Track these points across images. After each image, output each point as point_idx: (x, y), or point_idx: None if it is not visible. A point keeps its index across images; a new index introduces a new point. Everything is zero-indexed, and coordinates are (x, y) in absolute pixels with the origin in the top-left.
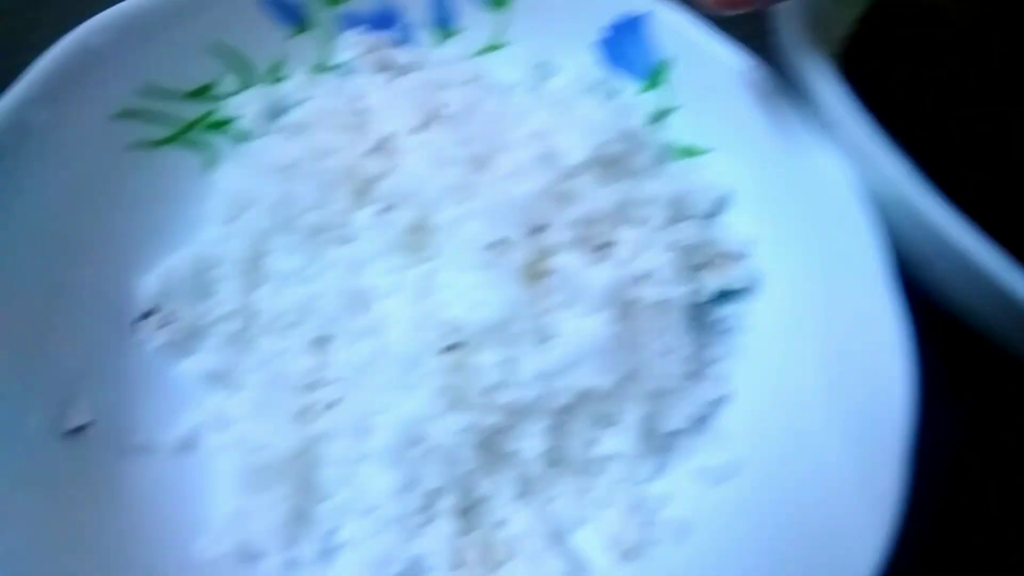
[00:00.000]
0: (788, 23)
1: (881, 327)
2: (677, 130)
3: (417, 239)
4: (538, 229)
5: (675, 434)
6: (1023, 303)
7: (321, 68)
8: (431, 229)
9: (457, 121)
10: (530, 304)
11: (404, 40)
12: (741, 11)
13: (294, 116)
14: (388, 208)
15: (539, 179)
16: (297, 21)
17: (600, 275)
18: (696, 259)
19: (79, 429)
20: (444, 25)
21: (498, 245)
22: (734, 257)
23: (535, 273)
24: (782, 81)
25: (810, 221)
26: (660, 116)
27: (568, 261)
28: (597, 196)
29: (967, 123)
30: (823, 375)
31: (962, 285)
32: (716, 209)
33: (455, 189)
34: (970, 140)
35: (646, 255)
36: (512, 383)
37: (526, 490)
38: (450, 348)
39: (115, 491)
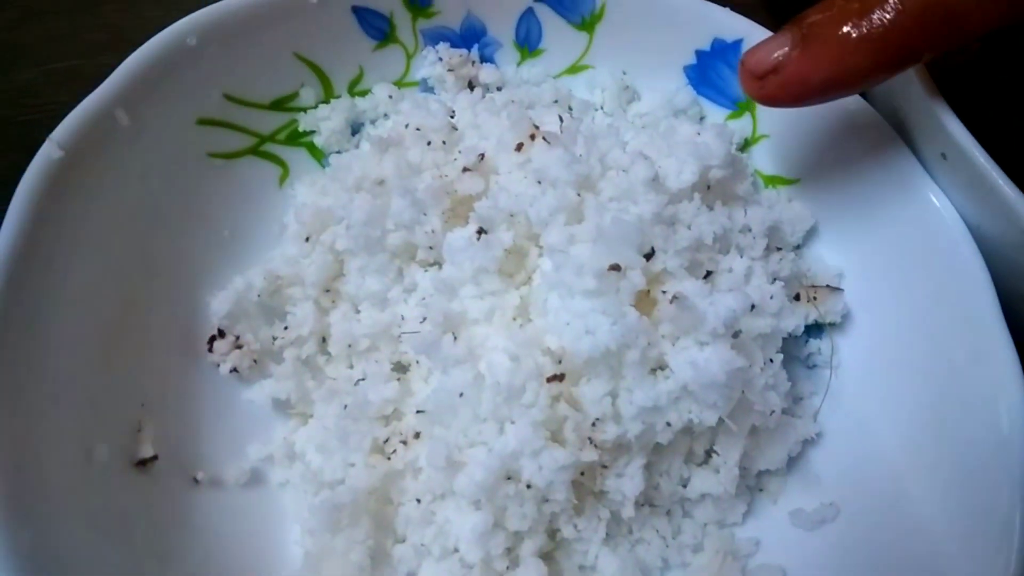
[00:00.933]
0: None
1: (993, 369)
2: (763, 159)
3: (515, 262)
4: (649, 255)
5: (764, 475)
6: None
7: (401, 84)
8: (531, 253)
9: (561, 140)
10: (644, 333)
11: (487, 58)
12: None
13: (380, 131)
14: (486, 229)
15: (649, 203)
16: (382, 34)
17: (721, 304)
18: (788, 291)
19: (149, 460)
20: (528, 44)
21: (613, 270)
22: (828, 290)
23: (647, 300)
24: (874, 110)
25: (905, 255)
26: (747, 144)
27: (687, 288)
28: (702, 222)
29: None
30: (924, 418)
31: None
32: (806, 240)
33: (562, 211)
34: None
35: (752, 284)
36: (616, 417)
37: (615, 532)
38: (552, 379)
39: (184, 527)
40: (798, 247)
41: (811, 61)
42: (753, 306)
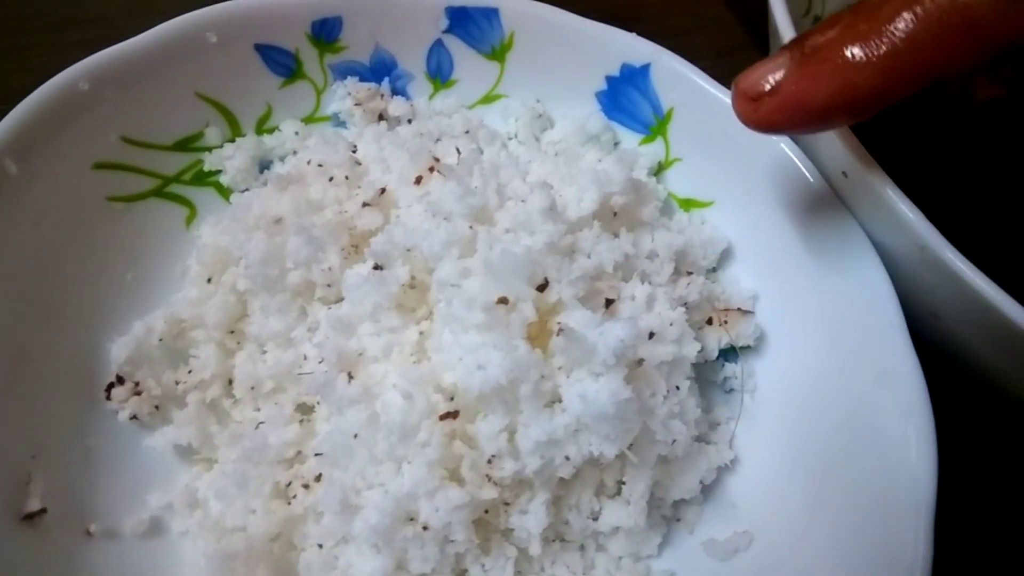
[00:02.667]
0: None
1: (899, 390)
2: (678, 182)
3: (414, 298)
4: (542, 286)
5: (680, 504)
6: None
7: (311, 119)
8: (429, 286)
9: (457, 173)
10: (536, 366)
11: (399, 91)
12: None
13: (283, 168)
14: (383, 265)
15: (544, 233)
16: (289, 71)
17: (610, 334)
18: (700, 315)
19: (37, 513)
20: (441, 75)
21: (501, 303)
22: (740, 313)
23: (541, 333)
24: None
25: (817, 276)
26: (661, 168)
27: (576, 319)
28: (603, 250)
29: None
30: (834, 442)
31: (976, 332)
32: (719, 263)
33: (455, 244)
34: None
35: (654, 312)
36: (513, 453)
37: (525, 569)
38: (446, 416)
39: None
40: (713, 270)
41: (812, 80)
42: (652, 334)
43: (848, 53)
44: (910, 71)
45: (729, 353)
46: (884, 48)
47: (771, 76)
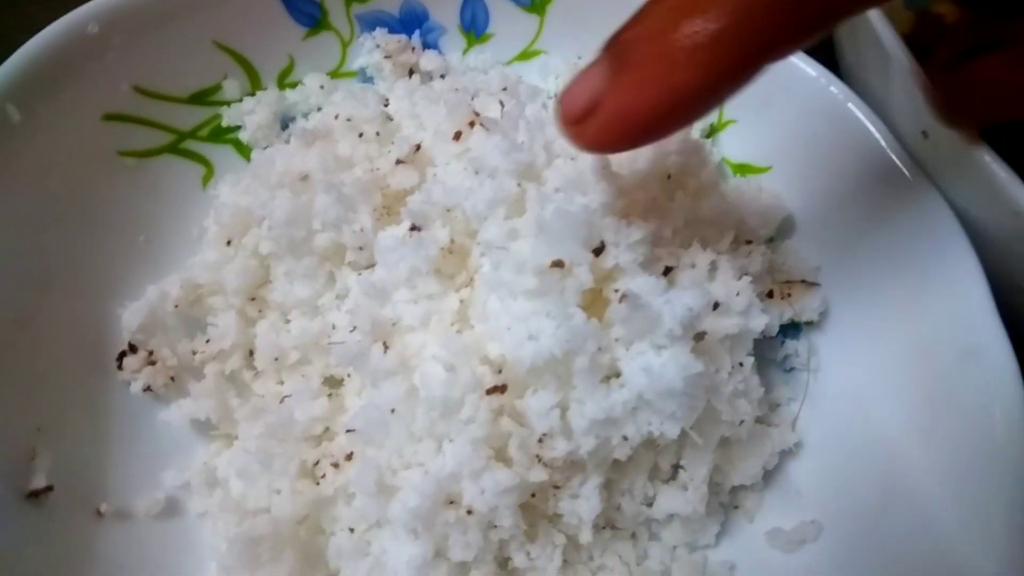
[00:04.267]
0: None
1: (986, 368)
2: (731, 146)
3: (454, 262)
4: (598, 250)
5: (738, 491)
6: None
7: (337, 74)
8: (472, 252)
9: (501, 127)
10: (593, 337)
11: (429, 45)
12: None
13: (308, 124)
14: (420, 226)
15: (598, 192)
16: (313, 20)
17: (677, 302)
18: (760, 288)
19: (42, 490)
20: (475, 29)
21: (556, 267)
22: (804, 286)
23: (595, 301)
24: (848, 88)
25: (887, 246)
26: (713, 131)
27: (639, 285)
28: (661, 214)
29: None
30: (910, 425)
31: None
32: (779, 233)
33: (501, 203)
34: None
35: (717, 281)
36: (565, 432)
37: (573, 559)
38: (493, 390)
39: (84, 566)
40: (770, 240)
41: (632, 90)
42: (717, 304)
43: (666, 48)
44: (742, 57)
45: (788, 329)
46: (706, 35)
47: (590, 90)
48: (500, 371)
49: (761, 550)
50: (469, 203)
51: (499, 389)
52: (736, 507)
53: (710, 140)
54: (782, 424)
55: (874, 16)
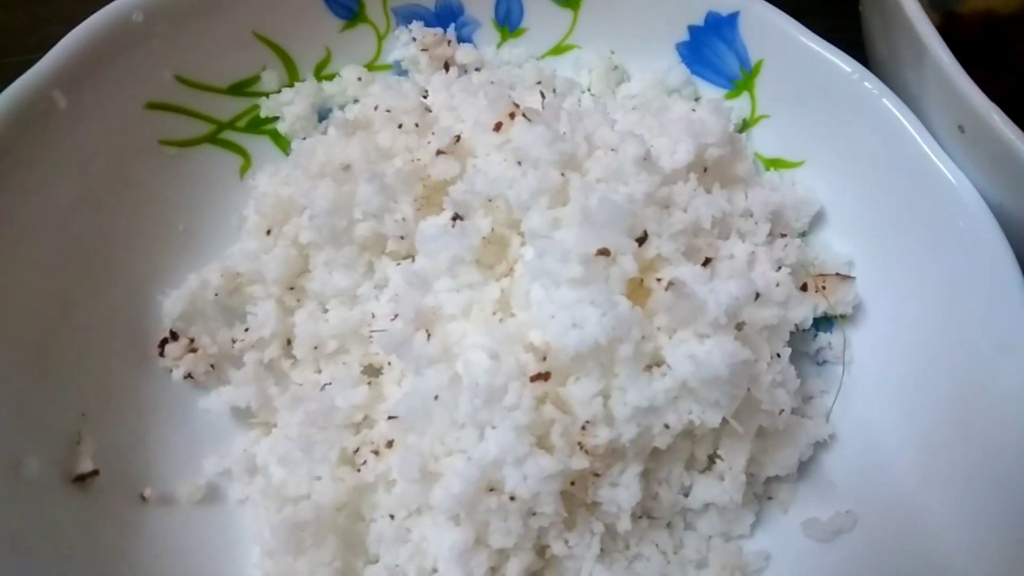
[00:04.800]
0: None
1: (1022, 360)
2: (764, 140)
3: (496, 252)
4: (641, 239)
5: (772, 482)
6: None
7: (372, 67)
8: (512, 241)
9: (543, 117)
10: (638, 325)
11: (464, 39)
12: None
13: (348, 115)
14: (463, 215)
15: (641, 183)
16: (350, 13)
17: (722, 291)
18: (795, 281)
19: (88, 475)
20: (509, 23)
21: (601, 255)
22: (839, 278)
23: (641, 289)
24: (882, 83)
25: (921, 240)
26: (746, 125)
27: (681, 275)
28: (700, 204)
29: None
30: (945, 416)
31: None
32: (812, 226)
33: (545, 193)
34: None
35: (756, 272)
36: (608, 420)
37: (610, 547)
38: (536, 378)
39: (128, 549)
40: (804, 234)
41: None
42: (758, 295)
43: None
44: None
45: (821, 322)
46: None
47: None
48: (544, 358)
49: (797, 540)
50: (512, 192)
51: (543, 376)
52: (771, 498)
53: (744, 135)
54: (816, 416)
55: (909, 7)
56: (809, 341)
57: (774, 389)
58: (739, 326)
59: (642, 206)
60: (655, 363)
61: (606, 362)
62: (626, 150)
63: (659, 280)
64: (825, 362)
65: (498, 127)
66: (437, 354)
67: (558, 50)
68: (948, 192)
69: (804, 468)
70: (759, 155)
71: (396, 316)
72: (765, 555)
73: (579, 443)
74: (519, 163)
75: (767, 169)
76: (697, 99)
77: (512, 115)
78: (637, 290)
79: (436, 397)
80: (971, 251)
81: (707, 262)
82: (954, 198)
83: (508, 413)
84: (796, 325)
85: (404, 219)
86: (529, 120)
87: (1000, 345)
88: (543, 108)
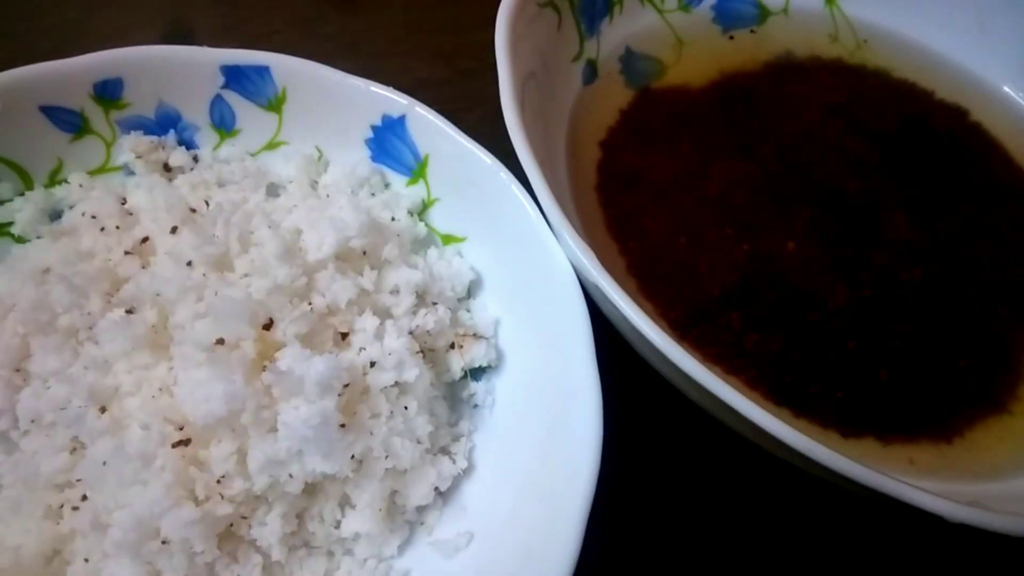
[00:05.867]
0: (513, 128)
1: (584, 400)
2: (439, 219)
3: (162, 339)
4: (267, 325)
5: (423, 509)
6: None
7: (104, 170)
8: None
9: (204, 223)
10: (254, 397)
11: (186, 141)
12: None
13: (64, 219)
14: (132, 309)
15: (274, 277)
16: (75, 128)
17: (316, 366)
18: (444, 341)
19: None
20: (225, 126)
21: (219, 344)
22: (474, 338)
23: (262, 368)
24: (517, 180)
25: (538, 304)
26: (425, 207)
27: (289, 355)
28: (337, 288)
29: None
30: (542, 445)
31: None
32: (473, 292)
33: (191, 289)
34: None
35: (380, 342)
36: (244, 473)
37: (277, 574)
38: (180, 443)
39: None
40: (467, 298)
41: None
42: (373, 363)
43: None
44: None
45: (476, 372)
46: None
47: None
48: (182, 428)
49: (430, 557)
50: (166, 290)
51: (184, 443)
52: (421, 523)
53: (421, 215)
54: (459, 452)
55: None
56: (465, 388)
57: (391, 438)
58: (364, 389)
59: (271, 297)
60: (277, 427)
61: (237, 427)
62: (269, 247)
63: (273, 360)
64: (476, 406)
65: (174, 230)
66: (106, 427)
67: (271, 146)
68: (550, 265)
69: (449, 496)
70: (435, 231)
71: (86, 394)
72: (406, 571)
73: (220, 494)
74: (188, 263)
75: (444, 244)
76: (387, 185)
77: (186, 219)
78: (259, 369)
79: (104, 463)
80: (560, 315)
81: (344, 336)
82: (552, 270)
83: (159, 473)
84: (450, 377)
85: (90, 313)
86: (193, 225)
87: (571, 392)
88: (205, 214)
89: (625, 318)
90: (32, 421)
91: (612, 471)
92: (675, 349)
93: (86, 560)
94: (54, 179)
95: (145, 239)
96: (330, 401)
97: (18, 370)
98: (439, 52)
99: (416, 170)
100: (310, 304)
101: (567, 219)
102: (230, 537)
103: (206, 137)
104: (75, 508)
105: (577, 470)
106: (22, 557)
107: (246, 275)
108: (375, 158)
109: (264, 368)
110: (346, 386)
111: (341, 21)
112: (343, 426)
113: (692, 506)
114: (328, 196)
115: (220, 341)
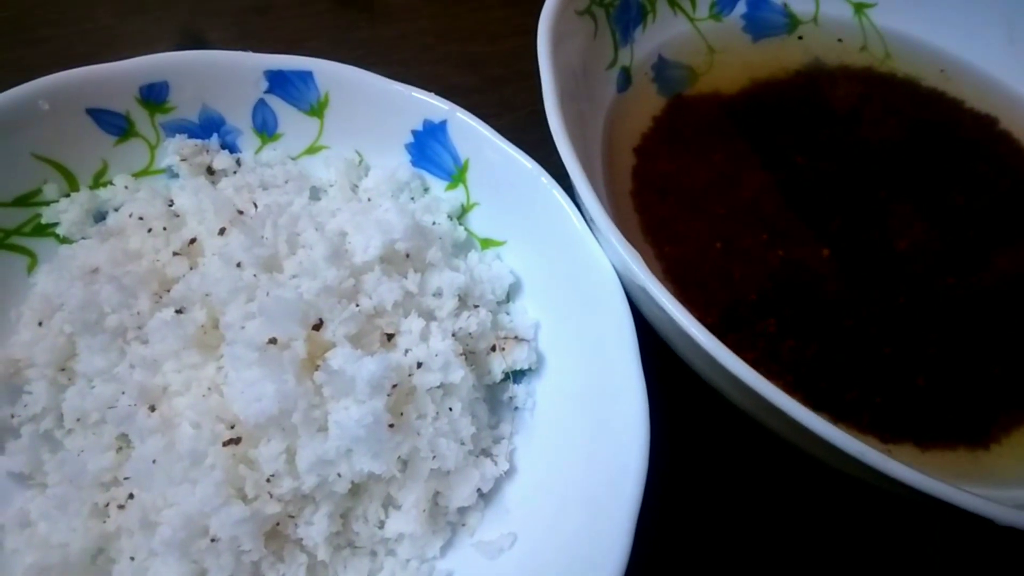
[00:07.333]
0: (559, 135)
1: (629, 402)
2: (478, 223)
3: (211, 339)
4: (318, 325)
5: (464, 510)
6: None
7: (148, 172)
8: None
9: (253, 224)
10: (305, 396)
11: (228, 145)
12: None
13: (110, 221)
14: (182, 309)
15: (323, 278)
16: (121, 130)
17: (367, 366)
18: (485, 343)
19: None
20: (266, 130)
21: (271, 343)
22: (515, 341)
23: (313, 368)
24: (559, 183)
25: (580, 307)
26: (464, 211)
27: (338, 356)
28: (383, 291)
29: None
30: (586, 448)
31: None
32: (511, 296)
33: (242, 290)
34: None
35: (426, 344)
36: (293, 473)
37: (321, 573)
38: (227, 443)
39: None
40: (506, 301)
41: None
42: (420, 364)
43: None
44: None
45: (516, 375)
46: None
47: None
48: (233, 427)
49: (473, 559)
50: (217, 290)
51: (234, 441)
52: (463, 524)
53: (460, 219)
54: (500, 454)
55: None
56: (505, 391)
57: (437, 439)
58: (411, 390)
59: (320, 298)
60: (326, 426)
61: (287, 427)
62: (318, 249)
63: (325, 361)
64: (517, 408)
65: (222, 231)
66: (156, 426)
67: (311, 150)
68: (592, 268)
69: (490, 497)
70: (474, 235)
71: (123, 394)
72: (449, 572)
73: (270, 492)
74: (238, 264)
75: (483, 248)
76: (427, 189)
77: (235, 221)
78: (310, 368)
79: (154, 461)
80: (604, 318)
81: (391, 337)
82: (596, 273)
83: (209, 471)
84: (491, 380)
85: (139, 312)
86: (242, 226)
87: (615, 391)
88: (254, 215)
89: (672, 319)
90: (77, 420)
91: (658, 476)
92: (724, 351)
93: (132, 558)
94: (99, 181)
95: (193, 240)
96: (380, 401)
97: (63, 369)
98: (468, 60)
99: (456, 175)
100: (358, 305)
101: (613, 223)
102: (276, 536)
103: (248, 141)
104: (121, 506)
105: (623, 474)
106: (68, 555)
107: (295, 276)
108: (415, 162)
109: (317, 368)
110: (394, 386)
111: (372, 29)
112: (392, 426)
113: (739, 511)
114: (369, 200)
115: (272, 341)
